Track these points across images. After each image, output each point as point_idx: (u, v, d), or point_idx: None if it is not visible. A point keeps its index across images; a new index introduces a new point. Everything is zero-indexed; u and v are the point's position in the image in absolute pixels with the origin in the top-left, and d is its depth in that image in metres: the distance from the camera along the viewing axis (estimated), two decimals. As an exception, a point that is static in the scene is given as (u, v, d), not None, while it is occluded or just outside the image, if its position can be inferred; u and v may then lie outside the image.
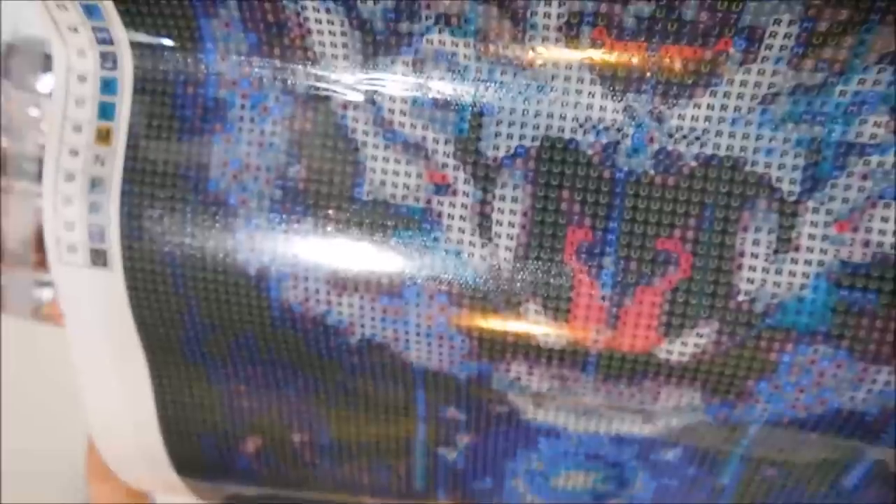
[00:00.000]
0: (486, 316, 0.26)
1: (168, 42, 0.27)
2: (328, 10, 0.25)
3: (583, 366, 0.26)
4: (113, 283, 0.29)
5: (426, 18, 0.25)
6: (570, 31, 0.24)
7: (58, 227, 0.28)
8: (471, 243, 0.26)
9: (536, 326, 0.26)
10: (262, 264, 0.27)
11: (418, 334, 0.27)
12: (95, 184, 0.28)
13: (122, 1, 0.26)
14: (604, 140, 0.25)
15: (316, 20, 0.25)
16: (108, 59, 0.28)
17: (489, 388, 0.29)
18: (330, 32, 0.26)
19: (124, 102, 0.28)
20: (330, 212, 0.26)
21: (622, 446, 0.30)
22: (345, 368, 0.29)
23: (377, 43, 0.26)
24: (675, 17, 0.23)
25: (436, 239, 0.26)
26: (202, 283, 0.28)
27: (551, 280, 0.25)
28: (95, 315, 0.30)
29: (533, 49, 0.24)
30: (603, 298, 0.25)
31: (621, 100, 0.25)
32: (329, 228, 0.26)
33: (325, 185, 0.27)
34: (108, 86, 0.29)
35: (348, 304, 0.27)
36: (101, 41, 0.28)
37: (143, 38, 0.27)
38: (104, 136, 0.28)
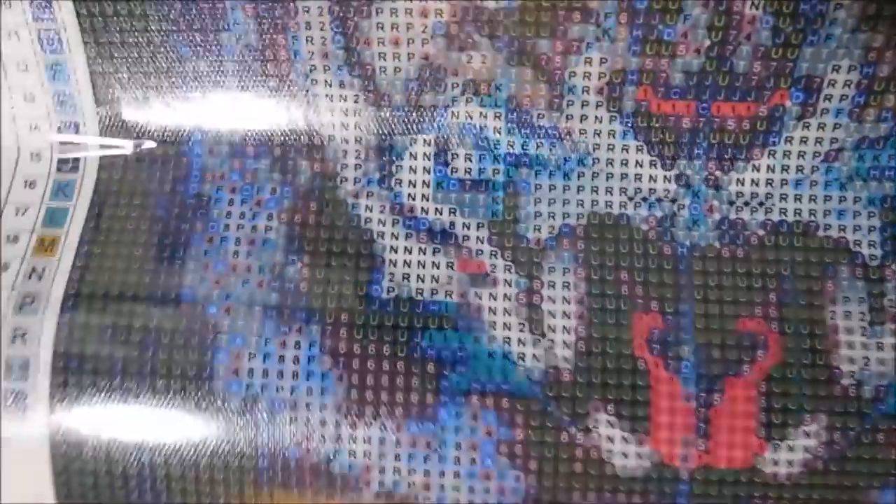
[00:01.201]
0: (546, 437, 0.21)
1: (149, 144, 0.23)
2: (342, 84, 0.22)
3: (673, 499, 0.20)
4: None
5: (452, 87, 0.22)
6: (613, 93, 0.22)
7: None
8: (520, 341, 0.21)
9: (612, 445, 0.21)
10: (247, 395, 0.21)
11: (457, 475, 0.21)
12: (26, 303, 0.22)
13: (103, 102, 0.23)
14: (658, 213, 0.22)
15: (327, 96, 0.23)
16: (68, 162, 0.24)
17: None
18: (342, 111, 0.23)
19: (79, 208, 0.23)
20: (341, 316, 0.21)
21: None
22: None
23: (393, 122, 0.23)
24: (727, 69, 0.21)
25: (476, 340, 0.21)
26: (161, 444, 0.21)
27: (623, 380, 0.20)
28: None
29: (571, 116, 0.22)
30: (687, 398, 0.20)
31: (672, 167, 0.22)
32: (339, 337, 0.21)
33: (335, 282, 0.22)
34: (61, 190, 0.24)
35: (364, 440, 0.21)
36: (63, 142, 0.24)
37: (117, 141, 0.24)
38: (46, 247, 0.23)
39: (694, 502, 0.20)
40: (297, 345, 0.20)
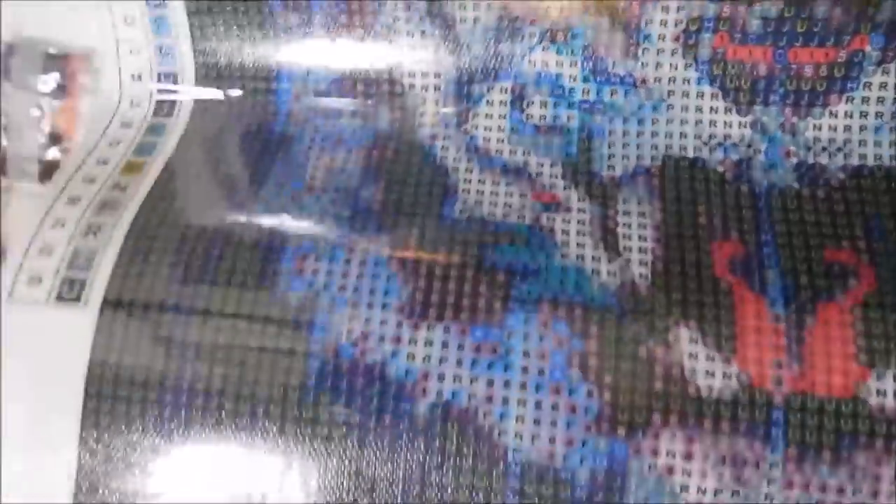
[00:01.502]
0: (622, 350, 0.19)
1: (237, 92, 0.25)
2: (423, 34, 0.24)
3: (766, 430, 0.18)
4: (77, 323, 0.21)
5: (530, 36, 0.23)
6: (689, 40, 0.22)
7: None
8: (594, 258, 0.20)
9: (695, 363, 0.19)
10: (308, 293, 0.20)
11: (523, 386, 0.19)
12: (104, 207, 0.22)
13: (200, 52, 0.24)
14: (734, 157, 0.22)
15: (409, 46, 0.24)
16: (164, 107, 0.25)
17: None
18: (423, 60, 0.24)
19: (168, 144, 0.24)
20: (412, 230, 0.21)
21: None
22: (399, 457, 0.19)
23: (472, 70, 0.24)
24: (806, 15, 0.22)
25: (549, 255, 0.20)
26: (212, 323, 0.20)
27: (705, 298, 0.19)
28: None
29: (647, 63, 0.23)
30: (776, 319, 0.19)
31: (748, 113, 0.22)
32: (408, 247, 0.21)
33: (408, 204, 0.22)
34: (154, 130, 0.25)
35: (424, 342, 0.19)
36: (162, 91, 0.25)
37: (210, 91, 0.25)
38: (133, 168, 0.24)
39: (790, 433, 0.18)
40: (365, 250, 0.20)
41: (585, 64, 0.23)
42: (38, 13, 0.25)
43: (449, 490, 0.19)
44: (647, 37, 0.23)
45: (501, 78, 0.24)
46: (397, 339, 0.19)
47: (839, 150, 0.22)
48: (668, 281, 0.20)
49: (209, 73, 0.25)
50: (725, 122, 0.22)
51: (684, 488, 0.18)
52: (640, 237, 0.21)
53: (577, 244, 0.20)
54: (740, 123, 0.22)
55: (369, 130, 0.23)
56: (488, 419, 0.19)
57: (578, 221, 0.21)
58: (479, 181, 0.22)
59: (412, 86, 0.24)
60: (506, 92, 0.24)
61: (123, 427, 0.19)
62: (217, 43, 0.25)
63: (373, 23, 0.24)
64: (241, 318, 0.20)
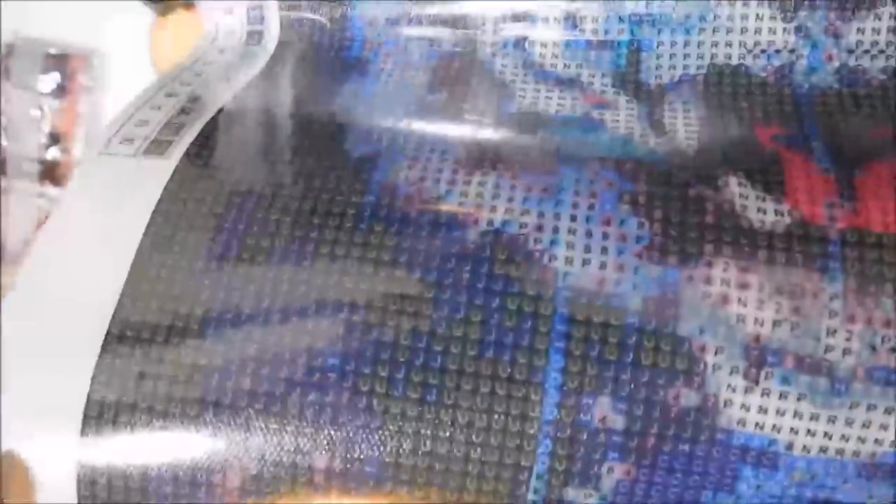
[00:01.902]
0: (672, 191, 0.19)
1: (321, 20, 0.27)
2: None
3: (823, 263, 0.18)
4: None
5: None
6: None
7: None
8: (642, 134, 0.21)
9: (745, 201, 0.19)
10: (372, 148, 0.21)
11: (574, 219, 0.19)
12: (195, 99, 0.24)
13: None
14: (776, 63, 0.23)
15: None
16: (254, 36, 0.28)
17: (674, 334, 0.18)
18: None
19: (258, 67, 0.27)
20: (472, 119, 0.22)
21: (876, 486, 0.17)
22: (445, 280, 0.19)
23: None
24: None
25: (598, 134, 0.21)
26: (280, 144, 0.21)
27: (752, 159, 0.20)
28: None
29: None
30: (825, 171, 0.20)
31: (792, 19, 0.24)
32: (467, 123, 0.22)
33: (470, 103, 0.23)
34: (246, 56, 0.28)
35: (478, 183, 0.20)
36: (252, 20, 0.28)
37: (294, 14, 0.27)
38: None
39: (848, 266, 0.18)
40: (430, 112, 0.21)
41: None
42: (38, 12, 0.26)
43: (496, 314, 0.18)
44: None
45: (556, -2, 0.25)
46: (452, 181, 0.20)
47: (881, 52, 0.22)
48: (714, 147, 0.20)
49: (292, 8, 0.27)
50: (770, 29, 0.23)
51: (741, 318, 0.18)
52: (685, 123, 0.21)
53: (626, 126, 0.21)
54: (784, 30, 0.23)
55: (434, 52, 0.25)
56: (538, 245, 0.19)
57: (627, 115, 0.22)
58: (535, 90, 0.24)
59: (472, 11, 0.26)
60: (561, 10, 0.25)
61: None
62: None
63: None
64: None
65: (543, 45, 0.25)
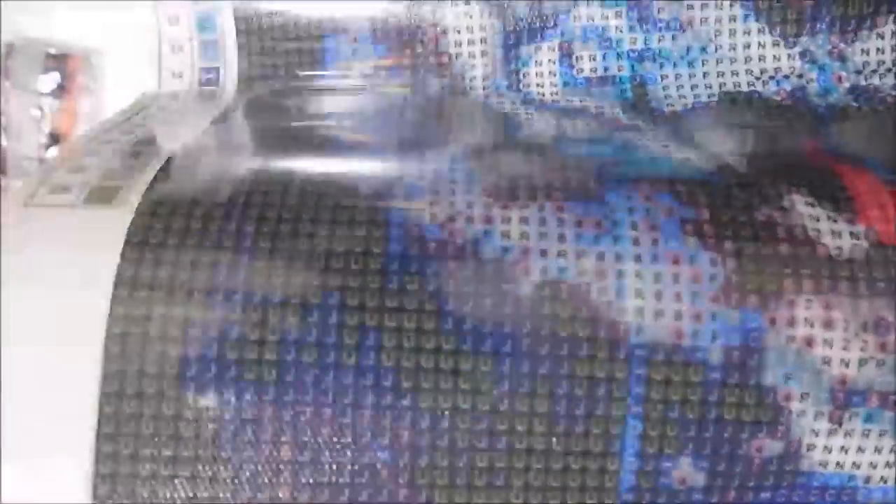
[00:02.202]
0: (738, 217, 0.17)
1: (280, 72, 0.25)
2: (467, 1, 0.25)
3: None
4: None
5: (574, -9, 0.24)
6: None
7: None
8: (680, 150, 0.20)
9: (817, 224, 0.17)
10: (377, 180, 0.18)
11: (638, 258, 0.17)
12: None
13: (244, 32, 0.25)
14: (787, 87, 0.22)
15: (454, 15, 0.25)
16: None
17: (758, 384, 0.16)
18: (468, 28, 0.25)
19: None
20: (484, 139, 0.20)
21: None
22: (503, 355, 0.16)
23: (518, 32, 0.24)
24: None
25: (633, 150, 0.20)
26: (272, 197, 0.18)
27: (807, 171, 0.18)
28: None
29: (692, 6, 0.24)
30: (886, 183, 0.18)
31: (795, 45, 0.23)
32: (482, 148, 0.19)
33: (475, 131, 0.21)
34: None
35: (520, 219, 0.17)
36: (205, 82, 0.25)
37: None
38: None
39: None
40: (439, 154, 0.19)
41: (630, 13, 0.24)
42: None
43: (564, 383, 0.16)
44: None
45: (548, 37, 0.24)
46: (488, 219, 0.17)
47: (889, 70, 0.22)
48: (764, 161, 0.19)
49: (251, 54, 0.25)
50: (774, 56, 0.23)
51: (826, 361, 0.16)
52: (719, 140, 0.20)
53: (661, 146, 0.20)
54: (789, 55, 0.23)
55: (419, 97, 0.23)
56: (603, 296, 0.16)
57: (653, 135, 0.20)
58: (543, 118, 0.22)
59: (459, 54, 0.24)
60: (553, 50, 0.24)
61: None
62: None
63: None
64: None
65: (539, 84, 0.23)
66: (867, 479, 0.16)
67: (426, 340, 0.16)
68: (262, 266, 0.16)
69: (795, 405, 0.16)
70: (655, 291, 0.16)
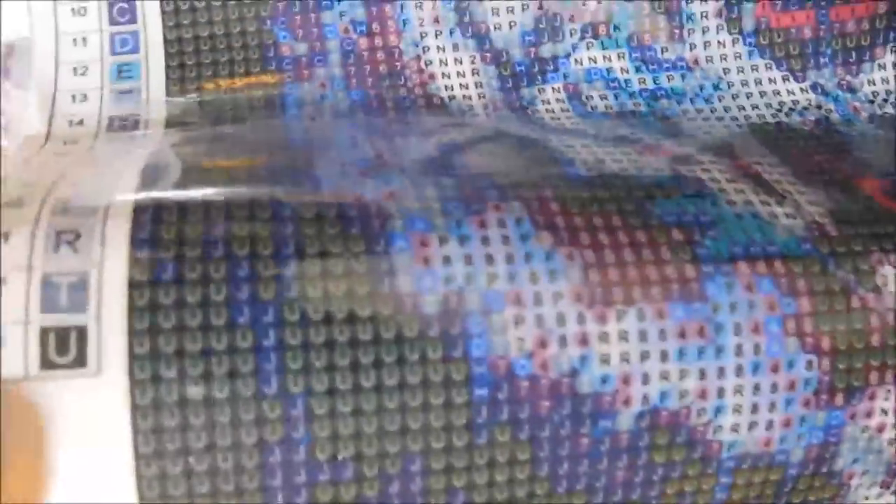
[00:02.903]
0: (836, 305, 0.16)
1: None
2: (455, 47, 0.22)
3: None
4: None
5: (571, 34, 0.22)
6: (731, 13, 0.22)
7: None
8: (763, 202, 0.17)
9: None
10: (446, 295, 0.14)
11: (739, 371, 0.15)
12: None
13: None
14: (811, 118, 0.21)
15: (441, 62, 0.21)
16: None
17: (829, 472, 0.16)
18: (459, 74, 0.21)
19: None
20: (541, 191, 0.17)
21: None
22: (597, 489, 0.15)
23: (517, 76, 0.22)
24: None
25: (714, 203, 0.17)
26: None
27: (888, 227, 0.17)
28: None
29: (695, 45, 0.22)
30: None
31: (805, 79, 0.22)
32: (552, 211, 0.16)
33: (517, 165, 0.18)
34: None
35: (618, 335, 0.15)
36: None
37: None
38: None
39: None
40: (501, 220, 0.15)
41: (633, 54, 0.21)
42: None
43: (654, 502, 0.15)
44: (689, 17, 0.22)
45: (550, 80, 0.21)
46: (584, 339, 0.14)
47: None
48: (848, 216, 0.17)
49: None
50: (788, 90, 0.21)
51: (891, 442, 0.16)
52: (785, 180, 0.18)
53: (735, 190, 0.17)
54: (801, 89, 0.21)
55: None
56: (701, 419, 0.15)
57: (717, 169, 0.18)
58: (583, 144, 0.19)
59: (452, 97, 0.21)
60: (559, 91, 0.21)
61: None
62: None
63: (397, 42, 0.21)
64: (358, 345, 0.13)
65: (554, 118, 0.20)
66: None
67: (519, 489, 0.15)
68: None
69: (856, 481, 0.17)
70: (753, 405, 0.15)
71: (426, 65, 0.21)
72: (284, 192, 0.15)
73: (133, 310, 0.13)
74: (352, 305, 0.14)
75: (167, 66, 0.20)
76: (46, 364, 0.12)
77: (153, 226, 0.13)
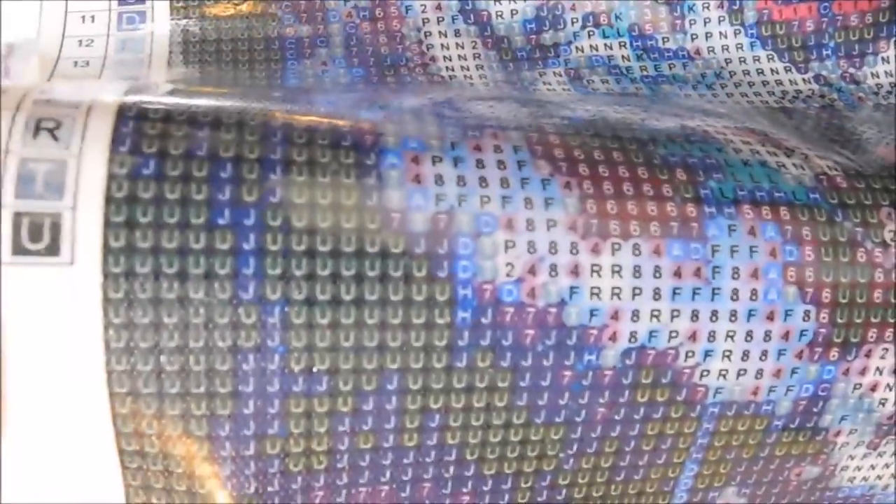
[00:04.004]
0: (841, 256, 0.15)
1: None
2: (457, 33, 0.22)
3: None
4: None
5: (572, 23, 0.22)
6: (733, 5, 0.23)
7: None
8: (770, 152, 0.17)
9: None
10: (438, 212, 0.14)
11: (733, 316, 0.14)
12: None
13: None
14: (816, 104, 0.21)
15: (443, 46, 0.22)
16: None
17: (815, 427, 0.16)
18: (460, 57, 0.22)
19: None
20: (542, 121, 0.17)
21: None
22: (576, 424, 0.15)
23: (518, 60, 0.22)
24: None
25: (720, 150, 0.17)
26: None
27: None
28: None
29: (696, 35, 0.23)
30: None
31: (807, 70, 0.22)
32: (552, 143, 0.16)
33: (520, 100, 0.18)
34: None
35: (612, 269, 0.14)
36: None
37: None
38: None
39: None
40: (498, 146, 0.15)
41: (635, 43, 0.22)
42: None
43: (632, 441, 0.15)
44: (690, 8, 0.22)
45: (551, 65, 0.22)
46: (575, 270, 0.14)
47: None
48: (859, 170, 0.16)
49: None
50: (790, 80, 0.21)
51: (883, 402, 0.16)
52: (793, 139, 0.18)
53: (743, 141, 0.17)
54: (804, 80, 0.21)
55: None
56: (689, 361, 0.14)
57: (723, 125, 0.17)
58: (587, 101, 0.18)
59: (453, 76, 0.21)
60: (560, 75, 0.21)
61: None
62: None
63: (399, 27, 0.21)
64: (340, 256, 0.13)
65: (555, 94, 0.20)
66: (885, 487, 0.18)
67: (496, 416, 0.14)
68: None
69: (842, 439, 0.17)
70: (743, 352, 0.15)
71: (427, 48, 0.21)
72: (276, 106, 0.14)
73: (110, 202, 0.12)
74: (337, 216, 0.13)
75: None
76: (18, 250, 0.12)
77: (137, 121, 0.13)
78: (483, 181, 0.14)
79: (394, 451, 0.14)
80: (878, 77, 0.21)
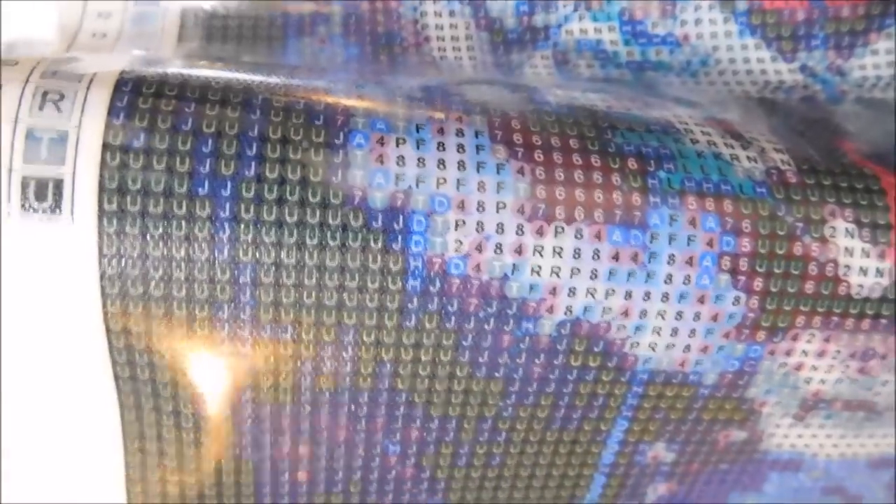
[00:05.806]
0: (777, 249, 0.16)
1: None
2: (452, 13, 0.23)
3: None
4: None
5: (564, 6, 0.23)
6: None
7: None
8: (727, 144, 0.18)
9: (850, 259, 0.17)
10: (397, 191, 0.15)
11: (665, 297, 0.16)
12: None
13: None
14: (796, 96, 0.22)
15: (437, 26, 0.23)
16: None
17: (741, 397, 0.18)
18: (453, 38, 0.23)
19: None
20: (508, 109, 0.18)
21: (878, 472, 0.20)
22: (514, 380, 0.17)
23: (508, 42, 0.23)
24: None
25: (677, 140, 0.18)
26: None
27: (855, 183, 0.18)
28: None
29: (686, 21, 0.23)
30: None
31: (794, 60, 0.23)
32: (513, 129, 0.17)
33: (487, 84, 0.19)
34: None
35: (553, 250, 0.16)
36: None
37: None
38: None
39: None
40: (460, 129, 0.16)
41: (624, 28, 0.22)
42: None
43: (566, 398, 0.17)
44: None
45: (540, 47, 0.22)
46: (519, 249, 0.15)
47: (888, 84, 0.22)
48: (812, 166, 0.17)
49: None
50: (775, 70, 0.22)
51: (808, 381, 0.17)
52: (756, 131, 0.18)
53: (703, 132, 0.18)
54: (789, 70, 0.22)
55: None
56: (620, 333, 0.16)
57: (688, 115, 0.18)
58: (551, 87, 0.20)
59: (444, 57, 0.22)
60: (547, 58, 0.22)
61: None
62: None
63: (397, 6, 0.22)
64: (305, 227, 0.15)
65: (539, 78, 0.21)
66: (814, 455, 0.20)
67: (441, 369, 0.16)
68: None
69: (767, 410, 0.18)
70: (673, 329, 0.16)
71: (422, 28, 0.23)
72: (259, 81, 0.16)
73: (104, 169, 0.14)
74: (304, 191, 0.15)
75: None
76: (26, 207, 0.14)
77: (131, 96, 0.15)
78: (441, 164, 0.16)
79: (350, 392, 0.15)
80: (864, 69, 0.22)
